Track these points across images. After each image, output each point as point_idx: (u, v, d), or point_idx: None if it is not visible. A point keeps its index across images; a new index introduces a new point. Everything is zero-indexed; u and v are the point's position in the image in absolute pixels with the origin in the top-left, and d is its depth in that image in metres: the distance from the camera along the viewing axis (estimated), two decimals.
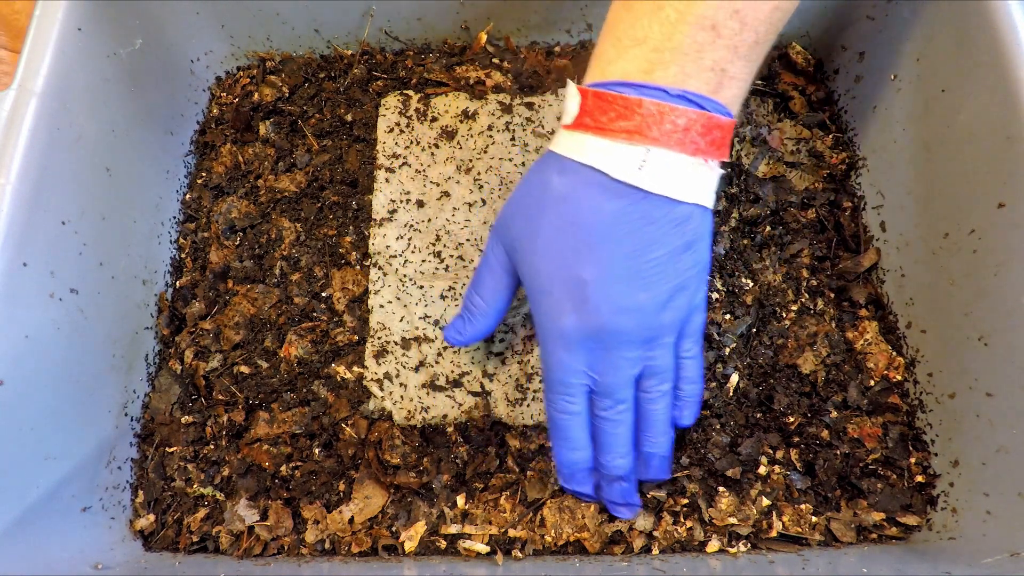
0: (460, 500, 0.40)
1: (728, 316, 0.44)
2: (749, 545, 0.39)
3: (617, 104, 0.31)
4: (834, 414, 0.42)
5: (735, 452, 0.41)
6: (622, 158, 0.32)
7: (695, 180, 0.33)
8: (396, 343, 0.44)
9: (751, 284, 0.45)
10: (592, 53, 0.35)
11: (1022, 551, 0.34)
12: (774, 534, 0.39)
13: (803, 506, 0.40)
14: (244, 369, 0.44)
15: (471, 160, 0.48)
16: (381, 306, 0.44)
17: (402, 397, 0.42)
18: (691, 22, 0.31)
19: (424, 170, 0.48)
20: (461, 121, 0.49)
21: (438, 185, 0.47)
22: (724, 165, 0.32)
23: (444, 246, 0.46)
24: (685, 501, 0.40)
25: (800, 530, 0.39)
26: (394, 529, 0.40)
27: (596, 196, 0.33)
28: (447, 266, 0.45)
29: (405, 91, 0.50)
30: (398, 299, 0.45)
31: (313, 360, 0.44)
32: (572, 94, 0.33)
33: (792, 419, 0.42)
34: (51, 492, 0.36)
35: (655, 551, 0.39)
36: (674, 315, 0.34)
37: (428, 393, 0.42)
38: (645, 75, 0.31)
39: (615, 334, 0.33)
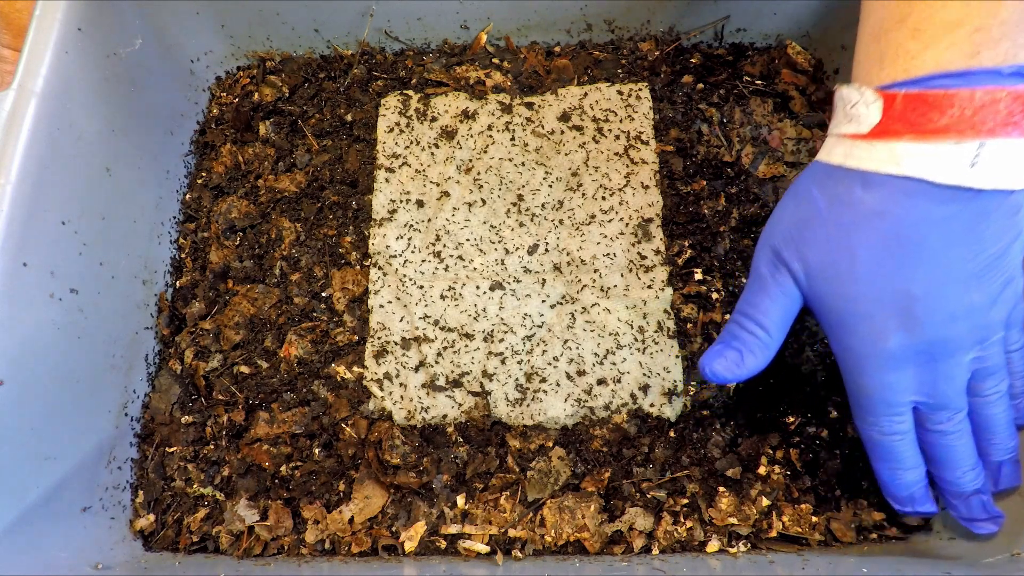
0: (460, 500, 0.40)
1: (728, 316, 0.44)
2: (749, 545, 0.39)
3: (942, 101, 0.28)
4: (834, 414, 0.42)
5: (735, 452, 0.41)
6: (949, 160, 0.28)
7: None
8: (396, 343, 0.44)
9: None
10: (866, 54, 0.31)
11: (1022, 551, 0.34)
12: (774, 534, 0.39)
13: (803, 506, 0.40)
14: (244, 369, 0.44)
15: (471, 160, 0.48)
16: (381, 306, 0.44)
17: (402, 397, 0.42)
18: None
19: (424, 170, 0.48)
20: (461, 121, 0.49)
21: (438, 185, 0.47)
22: None
23: (444, 246, 0.46)
24: (685, 501, 0.40)
25: (800, 530, 0.39)
26: (394, 529, 0.40)
27: (920, 206, 0.29)
28: (447, 266, 0.45)
29: (405, 91, 0.50)
30: (398, 299, 0.45)
31: (313, 360, 0.44)
32: (868, 99, 0.30)
33: (792, 419, 0.42)
34: (51, 492, 0.36)
35: (655, 551, 0.39)
36: (1003, 310, 0.31)
37: (428, 393, 0.42)
38: (970, 59, 0.28)
39: (946, 342, 0.31)
